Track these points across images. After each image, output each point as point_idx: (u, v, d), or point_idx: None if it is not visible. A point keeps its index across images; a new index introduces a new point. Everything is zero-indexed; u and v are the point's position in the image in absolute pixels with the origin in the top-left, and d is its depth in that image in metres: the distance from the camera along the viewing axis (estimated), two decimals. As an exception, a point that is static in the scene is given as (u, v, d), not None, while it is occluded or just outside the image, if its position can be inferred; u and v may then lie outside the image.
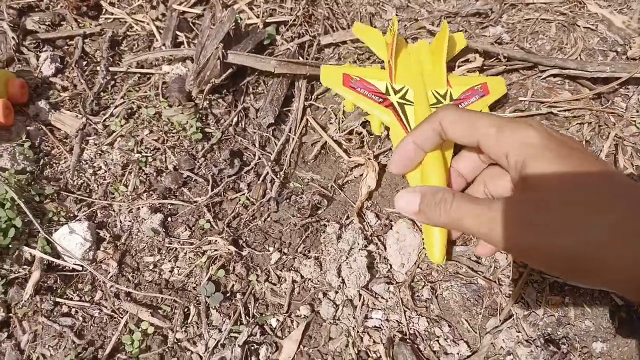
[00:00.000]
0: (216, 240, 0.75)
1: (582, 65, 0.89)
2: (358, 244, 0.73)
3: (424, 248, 0.74)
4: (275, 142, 0.90)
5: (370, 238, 0.76)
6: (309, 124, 0.93)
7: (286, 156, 0.88)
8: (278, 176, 0.84)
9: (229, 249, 0.74)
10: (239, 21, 1.02)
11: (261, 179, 0.84)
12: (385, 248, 0.74)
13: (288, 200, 0.83)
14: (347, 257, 0.72)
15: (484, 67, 0.93)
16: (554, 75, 0.92)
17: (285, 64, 0.91)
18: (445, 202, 0.43)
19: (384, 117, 0.76)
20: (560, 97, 0.89)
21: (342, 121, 0.91)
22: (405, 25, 1.05)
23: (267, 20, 1.04)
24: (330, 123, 0.93)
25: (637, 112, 0.89)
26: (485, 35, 0.99)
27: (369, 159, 0.83)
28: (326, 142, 0.89)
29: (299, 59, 0.98)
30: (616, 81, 0.89)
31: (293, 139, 0.90)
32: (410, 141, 0.50)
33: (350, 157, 0.86)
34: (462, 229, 0.42)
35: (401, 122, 0.74)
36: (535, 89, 0.91)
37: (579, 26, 1.01)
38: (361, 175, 0.85)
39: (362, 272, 0.70)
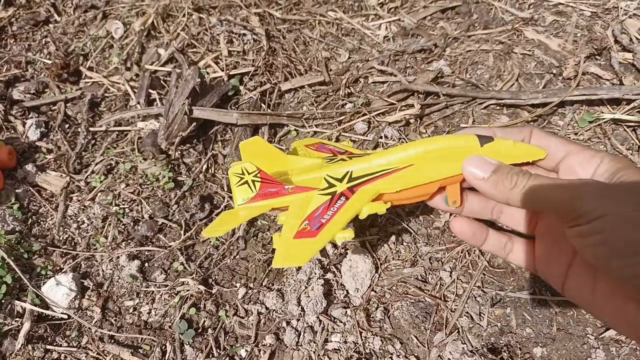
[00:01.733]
0: (187, 282, 0.82)
1: (516, 95, 0.97)
2: (315, 274, 0.80)
3: (378, 268, 0.81)
4: (242, 185, 0.98)
5: (327, 267, 0.83)
6: (273, 165, 1.01)
7: (253, 197, 0.96)
8: (245, 216, 0.92)
9: (199, 289, 0.81)
10: (205, 76, 1.12)
11: (229, 220, 0.92)
12: (341, 275, 0.81)
13: (255, 238, 0.90)
14: (305, 287, 0.79)
15: (425, 106, 1.00)
16: (494, 103, 1.00)
17: (247, 115, 1.00)
18: (523, 173, 0.45)
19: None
20: (499, 122, 0.97)
21: (303, 160, 1.00)
22: (358, 66, 1.14)
23: (231, 73, 1.14)
24: (293, 162, 1.01)
25: (572, 128, 0.96)
26: (430, 70, 1.08)
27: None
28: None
29: (261, 106, 1.07)
30: (550, 105, 0.97)
31: (259, 180, 0.98)
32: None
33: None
34: (535, 201, 0.43)
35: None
36: (475, 116, 0.99)
37: (515, 53, 1.10)
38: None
39: (319, 300, 0.77)
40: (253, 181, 0.61)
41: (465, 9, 1.22)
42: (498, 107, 1.00)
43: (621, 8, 1.15)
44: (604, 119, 0.96)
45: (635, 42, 1.08)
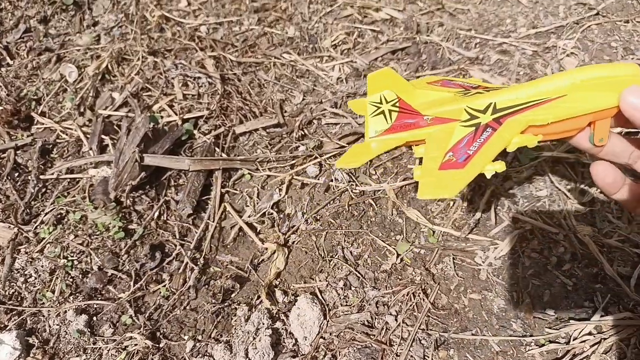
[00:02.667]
0: (135, 337, 0.82)
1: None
2: (263, 324, 0.81)
3: (327, 315, 0.82)
4: (195, 231, 0.98)
5: (276, 316, 0.84)
6: (227, 210, 1.02)
7: (206, 242, 0.96)
8: (198, 263, 0.92)
9: (145, 343, 0.81)
10: (159, 120, 1.13)
11: (181, 268, 0.92)
12: (290, 323, 0.82)
13: (207, 286, 0.91)
14: (253, 338, 0.79)
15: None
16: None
17: (199, 161, 1.01)
18: None
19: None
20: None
21: (257, 204, 1.01)
22: (311, 108, 1.16)
23: (185, 116, 1.15)
24: (247, 206, 1.02)
25: (513, 167, 1.00)
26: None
27: (280, 244, 0.92)
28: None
29: (215, 150, 1.08)
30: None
31: (212, 225, 0.99)
32: None
33: (263, 244, 0.94)
34: None
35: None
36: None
37: (461, 94, 1.14)
38: (274, 253, 0.93)
39: (266, 351, 0.77)
40: (390, 111, 0.57)
41: (414, 49, 1.26)
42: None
43: (559, 47, 1.21)
44: (544, 156, 1.00)
45: (574, 80, 1.14)
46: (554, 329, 0.78)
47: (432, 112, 0.56)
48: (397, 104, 0.56)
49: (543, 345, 0.76)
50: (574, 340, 0.76)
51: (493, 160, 0.49)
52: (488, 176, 0.51)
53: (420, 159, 0.53)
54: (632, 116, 0.46)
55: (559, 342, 0.76)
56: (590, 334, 0.76)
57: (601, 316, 0.77)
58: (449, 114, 0.55)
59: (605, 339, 0.74)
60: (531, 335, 0.78)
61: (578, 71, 0.50)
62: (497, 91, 0.54)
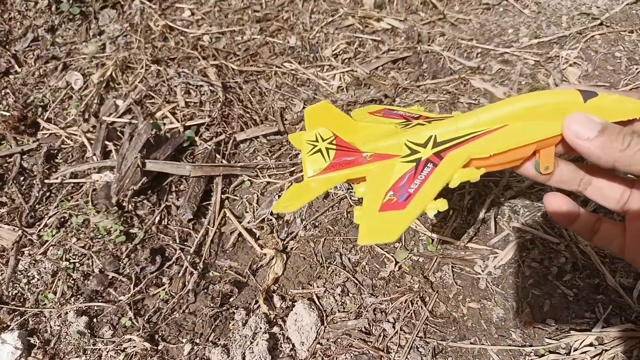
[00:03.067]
0: (133, 339, 0.82)
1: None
2: (260, 328, 0.81)
3: (324, 321, 0.82)
4: (195, 236, 0.99)
5: (274, 321, 0.84)
6: (227, 215, 1.02)
7: (206, 247, 0.97)
8: (197, 268, 0.93)
9: (144, 346, 0.81)
10: (162, 127, 1.14)
11: (181, 272, 0.93)
12: (287, 329, 0.82)
13: (206, 290, 0.91)
14: (250, 343, 0.79)
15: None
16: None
17: (200, 167, 1.02)
18: (637, 137, 0.41)
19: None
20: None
21: (256, 210, 1.02)
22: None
23: (187, 124, 1.16)
24: (246, 212, 1.03)
25: (514, 176, 1.00)
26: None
27: (279, 250, 0.92)
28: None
29: (215, 157, 1.09)
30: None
31: (212, 230, 0.99)
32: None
33: (262, 250, 0.95)
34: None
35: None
36: (422, 165, 1.02)
37: (461, 102, 1.14)
38: (272, 259, 0.94)
39: (263, 356, 0.77)
40: (327, 149, 0.55)
41: (415, 59, 1.27)
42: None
43: (562, 57, 1.22)
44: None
45: (575, 90, 1.14)
46: (554, 339, 0.77)
47: (371, 147, 0.55)
48: (334, 142, 0.54)
49: (543, 355, 0.76)
50: (574, 351, 0.75)
51: (435, 198, 0.47)
52: (430, 216, 0.49)
53: (361, 199, 0.52)
54: (576, 145, 0.45)
55: (559, 353, 0.75)
56: (591, 345, 0.75)
57: (603, 327, 0.76)
58: (389, 150, 0.54)
59: (606, 350, 0.74)
60: (531, 346, 0.77)
61: (518, 99, 0.49)
62: (438, 122, 0.53)
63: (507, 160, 0.51)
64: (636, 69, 1.15)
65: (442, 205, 0.48)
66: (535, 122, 0.48)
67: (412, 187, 0.49)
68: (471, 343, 0.79)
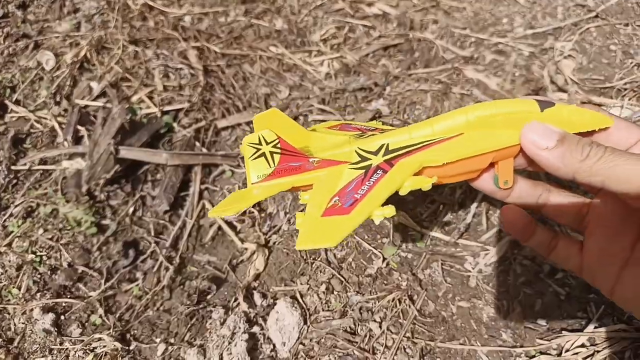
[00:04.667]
0: (103, 338, 0.77)
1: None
2: (239, 328, 0.76)
3: (307, 320, 0.78)
4: (172, 228, 0.94)
5: (254, 320, 0.79)
6: (205, 207, 0.97)
7: (183, 241, 0.92)
8: (173, 262, 0.88)
9: (114, 345, 0.76)
10: (138, 112, 1.08)
11: (155, 267, 0.88)
12: (267, 328, 0.78)
13: (182, 287, 0.86)
14: (229, 343, 0.75)
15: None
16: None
17: (178, 155, 0.97)
18: (597, 144, 0.40)
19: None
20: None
21: (237, 201, 0.96)
22: (298, 103, 1.12)
23: (165, 109, 1.10)
24: (227, 203, 0.97)
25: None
26: (369, 109, 1.07)
27: (261, 245, 0.88)
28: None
29: (195, 144, 1.03)
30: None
31: (190, 223, 0.94)
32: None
33: (243, 244, 0.90)
34: (613, 177, 0.39)
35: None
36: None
37: (454, 93, 1.10)
38: (254, 254, 0.89)
39: (242, 357, 0.73)
40: (271, 153, 0.52)
41: (407, 46, 1.22)
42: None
43: (557, 49, 1.18)
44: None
45: (570, 82, 1.11)
46: (545, 339, 0.74)
47: (320, 155, 0.53)
48: (278, 145, 0.52)
49: (534, 356, 0.73)
50: (566, 352, 0.72)
51: (383, 205, 0.45)
52: (376, 222, 0.47)
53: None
54: (534, 155, 0.44)
55: (550, 354, 0.73)
56: (583, 345, 0.72)
57: (595, 327, 0.73)
58: (339, 157, 0.52)
59: (598, 351, 0.71)
60: (521, 346, 0.74)
61: (474, 108, 0.47)
62: (392, 132, 0.52)
63: (463, 171, 0.50)
64: (631, 62, 1.12)
65: (389, 211, 0.46)
66: (491, 131, 0.47)
67: (359, 193, 0.47)
68: (460, 344, 0.76)
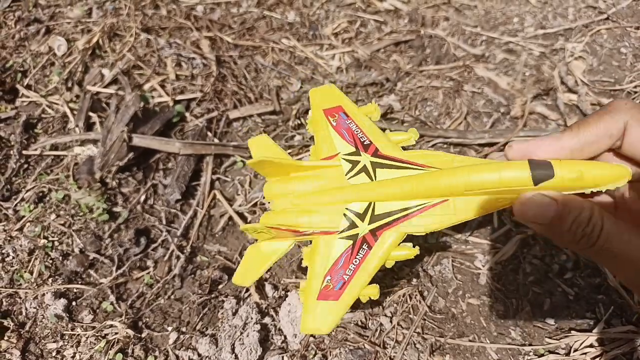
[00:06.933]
0: (115, 325, 0.77)
1: (462, 134, 0.97)
2: (252, 318, 0.77)
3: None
4: (183, 217, 0.94)
5: (265, 311, 0.80)
6: (217, 197, 0.97)
7: (194, 230, 0.92)
8: (184, 252, 0.88)
9: (127, 333, 0.76)
10: (150, 100, 1.08)
11: (166, 256, 0.88)
12: (279, 319, 0.78)
13: (193, 276, 0.86)
14: (241, 333, 0.75)
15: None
16: (442, 142, 1.00)
17: (190, 144, 0.97)
18: (592, 228, 0.38)
19: None
20: (445, 161, 0.97)
21: (248, 193, 0.97)
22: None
23: (177, 98, 1.10)
24: (238, 194, 0.98)
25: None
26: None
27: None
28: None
29: (207, 134, 1.03)
30: (497, 145, 0.97)
31: (201, 212, 0.94)
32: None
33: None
34: (603, 265, 0.40)
35: None
36: (423, 154, 0.99)
37: (465, 91, 1.11)
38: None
39: (253, 347, 0.73)
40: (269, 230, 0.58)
41: (418, 43, 1.22)
42: (445, 146, 1.00)
43: (567, 50, 1.18)
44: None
45: (580, 84, 1.11)
46: (554, 339, 0.75)
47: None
48: (272, 231, 0.58)
49: (542, 355, 0.74)
50: (574, 351, 0.73)
51: (370, 283, 0.52)
52: (364, 301, 0.53)
53: (306, 268, 0.57)
54: (530, 225, 0.43)
55: (558, 353, 0.73)
56: (591, 346, 0.73)
57: (603, 328, 0.74)
58: (327, 226, 0.55)
59: (607, 351, 0.72)
60: (530, 345, 0.75)
61: (461, 172, 0.46)
62: (380, 182, 0.54)
63: (450, 226, 0.51)
64: (641, 65, 1.13)
65: (374, 292, 0.52)
66: (479, 198, 0.47)
67: (347, 274, 0.52)
68: (470, 340, 0.77)
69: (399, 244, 0.52)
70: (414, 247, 0.53)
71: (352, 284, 0.51)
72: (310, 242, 0.59)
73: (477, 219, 0.87)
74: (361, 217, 0.54)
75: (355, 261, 0.52)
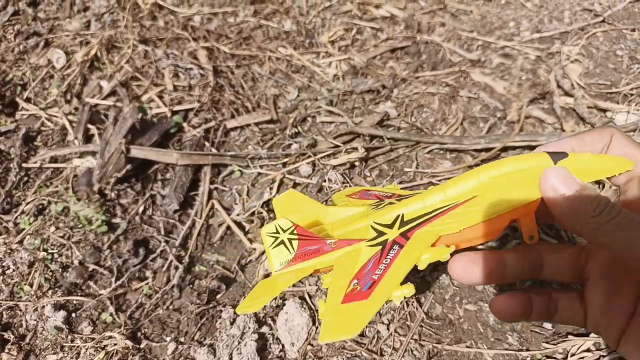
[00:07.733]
0: (114, 336, 0.78)
1: (458, 140, 0.97)
2: (249, 328, 0.77)
3: (316, 321, 0.79)
4: (181, 228, 0.94)
5: (263, 320, 0.80)
6: (215, 207, 0.98)
7: (192, 240, 0.93)
8: (183, 262, 0.89)
9: (125, 344, 0.77)
10: (148, 111, 1.09)
11: (165, 266, 0.88)
12: (277, 328, 0.79)
13: (191, 286, 0.87)
14: (238, 343, 0.76)
15: (370, 149, 1.00)
16: (438, 148, 1.00)
17: (188, 155, 0.97)
18: (612, 207, 0.39)
19: None
20: (441, 167, 0.97)
21: (246, 202, 0.97)
22: (306, 105, 1.13)
23: (175, 108, 1.11)
24: (236, 204, 0.98)
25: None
26: (376, 112, 1.08)
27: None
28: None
29: (204, 144, 1.04)
30: (493, 150, 0.97)
31: (199, 222, 0.95)
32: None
33: (252, 244, 0.91)
34: (611, 244, 0.39)
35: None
36: (419, 160, 0.99)
37: (461, 96, 1.11)
38: (262, 253, 0.90)
39: (251, 357, 0.74)
40: (290, 239, 0.54)
41: (414, 49, 1.23)
42: (441, 152, 1.01)
43: (563, 53, 1.19)
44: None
45: (576, 87, 1.11)
46: (551, 343, 0.75)
47: (340, 232, 0.54)
48: (295, 232, 0.53)
49: (539, 360, 0.74)
50: (571, 356, 0.73)
51: (402, 282, 0.45)
52: (397, 303, 0.48)
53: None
54: (550, 199, 0.43)
55: (556, 358, 0.73)
56: (589, 350, 0.73)
57: (600, 332, 0.74)
58: (355, 234, 0.52)
59: (604, 356, 0.72)
60: (527, 350, 0.75)
61: (484, 169, 0.47)
62: (406, 200, 0.52)
63: (482, 234, 0.49)
64: (637, 68, 1.13)
65: (409, 290, 0.46)
66: (505, 191, 0.46)
67: (377, 274, 0.47)
68: (467, 346, 0.77)
69: (432, 245, 0.49)
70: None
71: (384, 282, 0.45)
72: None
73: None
74: (390, 226, 0.51)
75: (386, 261, 0.48)
